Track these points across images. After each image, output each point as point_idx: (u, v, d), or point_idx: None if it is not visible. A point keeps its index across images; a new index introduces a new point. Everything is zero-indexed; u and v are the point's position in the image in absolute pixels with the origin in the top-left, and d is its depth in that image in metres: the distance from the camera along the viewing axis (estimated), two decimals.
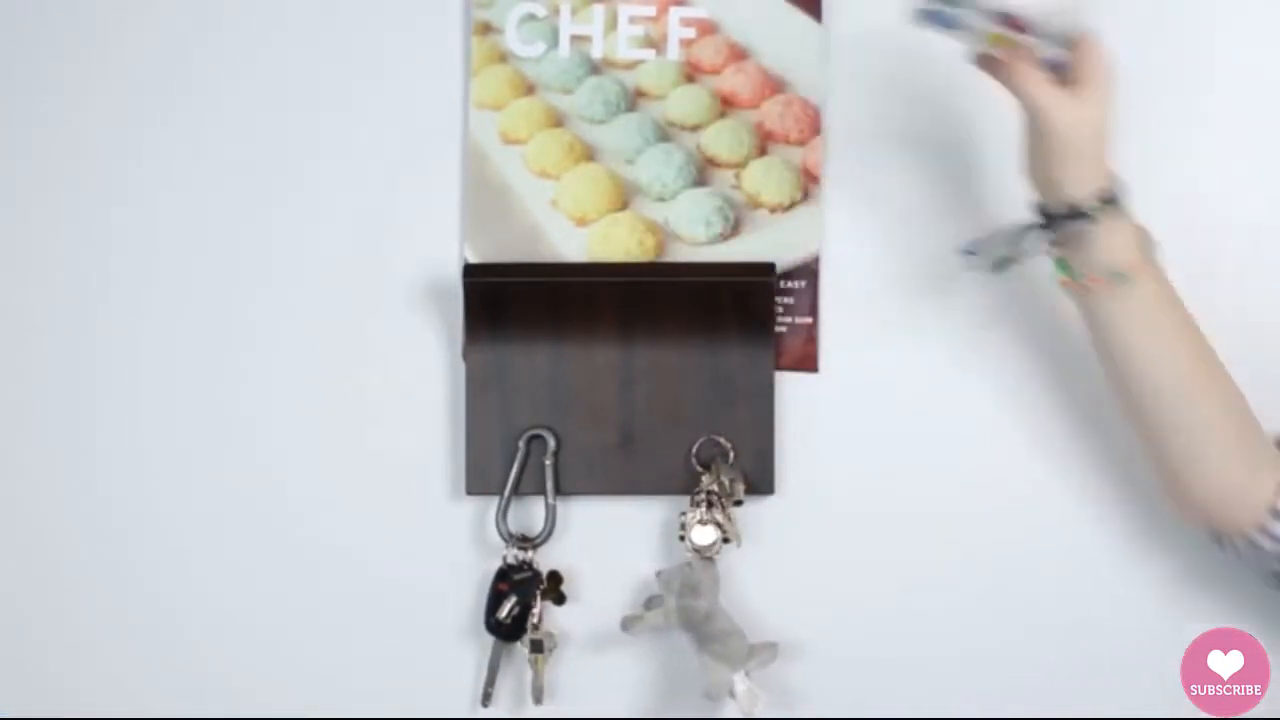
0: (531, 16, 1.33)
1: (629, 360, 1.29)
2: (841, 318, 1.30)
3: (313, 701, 1.31)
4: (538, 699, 1.28)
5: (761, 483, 1.28)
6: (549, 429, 1.29)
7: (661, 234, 1.31)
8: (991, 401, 1.30)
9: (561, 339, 1.29)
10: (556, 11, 1.33)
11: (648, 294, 1.28)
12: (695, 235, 1.31)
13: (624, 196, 1.32)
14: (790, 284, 1.30)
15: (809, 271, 1.30)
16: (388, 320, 1.31)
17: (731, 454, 1.28)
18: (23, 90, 1.33)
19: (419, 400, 1.31)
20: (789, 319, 1.30)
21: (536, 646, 1.28)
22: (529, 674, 1.29)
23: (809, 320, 1.30)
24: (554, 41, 1.33)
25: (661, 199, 1.32)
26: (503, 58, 1.33)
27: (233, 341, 1.32)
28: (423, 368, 1.31)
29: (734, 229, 1.31)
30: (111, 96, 1.33)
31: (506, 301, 1.28)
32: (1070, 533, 1.29)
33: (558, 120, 1.33)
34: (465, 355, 1.30)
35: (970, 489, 1.29)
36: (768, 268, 1.28)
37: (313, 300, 1.32)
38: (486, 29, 1.33)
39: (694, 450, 1.28)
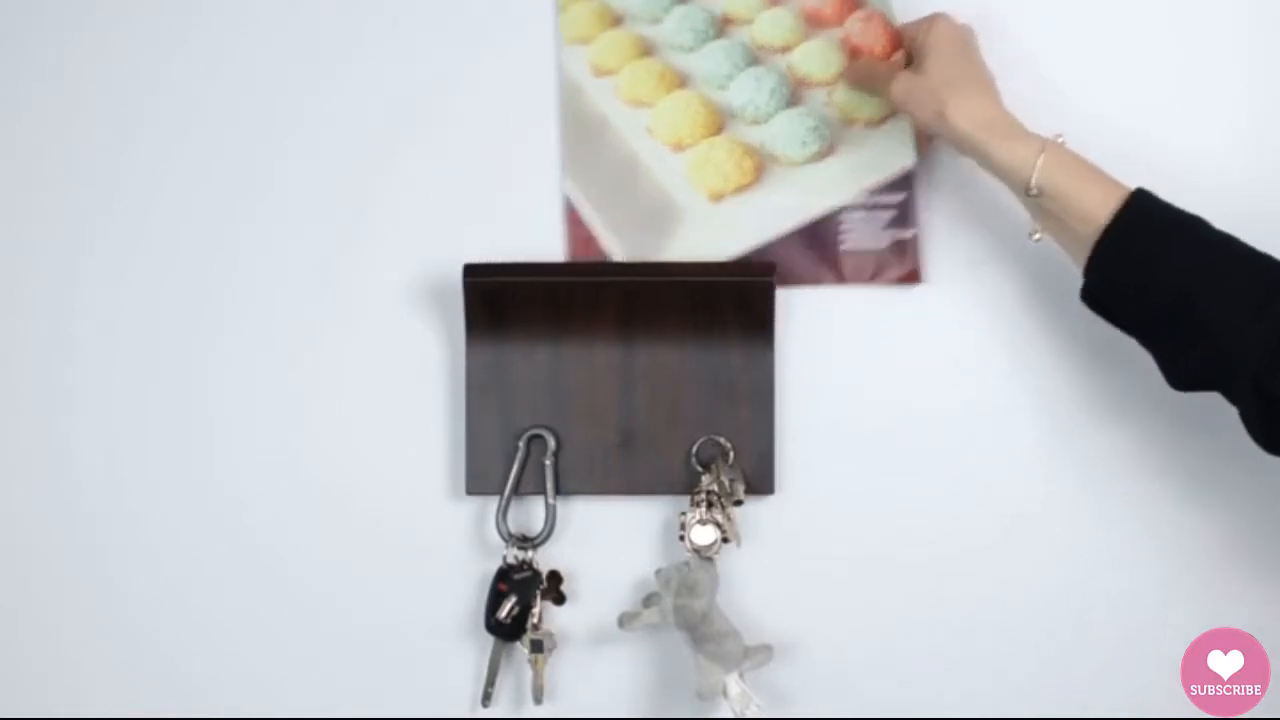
0: None
1: (629, 360, 1.29)
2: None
3: (313, 702, 1.31)
4: (538, 699, 1.28)
5: (761, 483, 1.28)
6: (549, 429, 1.29)
7: (759, 156, 1.31)
8: (992, 401, 1.30)
9: (561, 339, 1.28)
10: None
11: (648, 294, 1.27)
12: (792, 155, 1.31)
13: (719, 121, 1.32)
14: (886, 199, 1.30)
15: (907, 183, 1.30)
16: (387, 320, 1.31)
17: (731, 454, 1.28)
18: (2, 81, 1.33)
19: (419, 400, 1.31)
20: (889, 233, 1.29)
21: (536, 646, 1.28)
22: (529, 674, 1.29)
23: (912, 233, 1.30)
24: None
25: (756, 122, 1.32)
26: None
27: (230, 341, 1.32)
28: (423, 368, 1.31)
29: (830, 147, 1.31)
30: (110, 79, 1.33)
31: (506, 301, 1.27)
32: (1071, 533, 1.29)
33: (647, 50, 1.33)
34: (467, 355, 1.29)
35: (970, 490, 1.29)
36: (768, 267, 1.28)
37: (310, 300, 1.32)
38: None
39: (694, 450, 1.28)
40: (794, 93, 1.32)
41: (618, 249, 1.30)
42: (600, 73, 1.32)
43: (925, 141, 1.29)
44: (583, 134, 1.31)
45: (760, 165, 1.31)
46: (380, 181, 1.32)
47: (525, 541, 1.29)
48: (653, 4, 1.34)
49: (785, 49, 1.33)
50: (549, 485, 1.28)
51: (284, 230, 1.32)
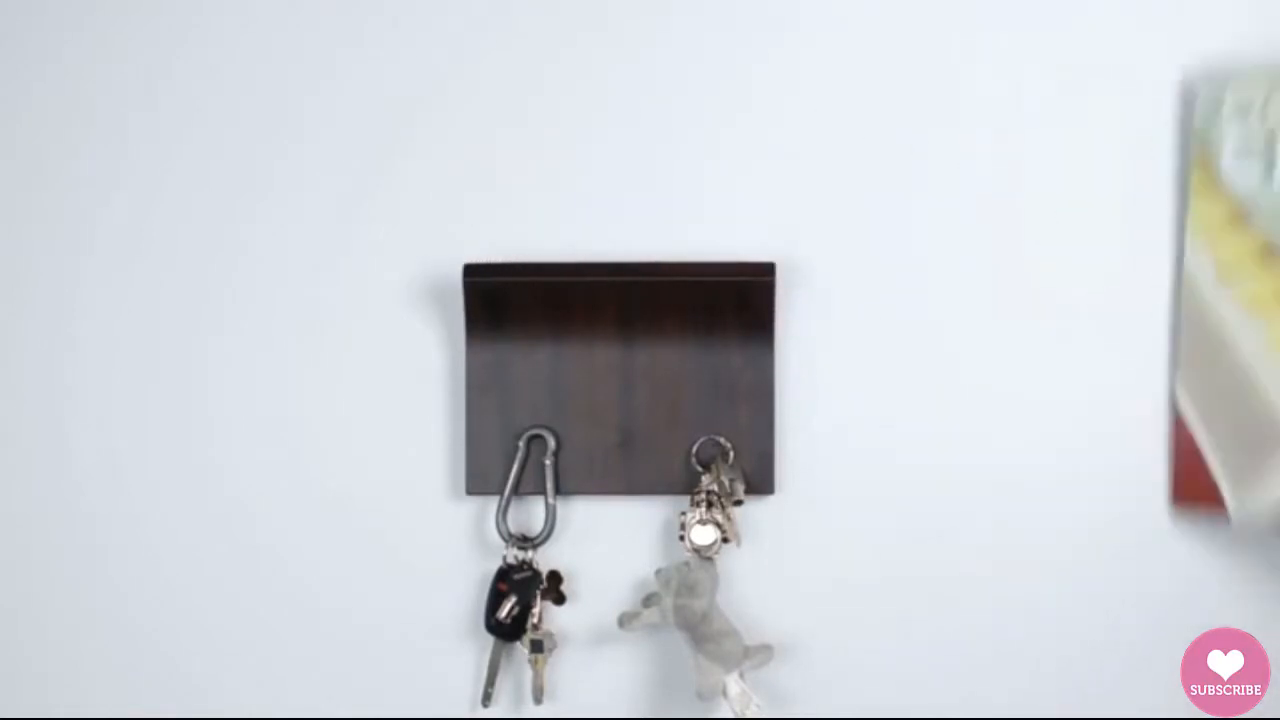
0: (1246, 146, 1.23)
1: (629, 360, 1.29)
2: None
3: (312, 702, 1.31)
4: (538, 699, 1.28)
5: (761, 483, 1.28)
6: (549, 429, 1.29)
7: None
8: (993, 402, 1.30)
9: (561, 339, 1.28)
10: (1275, 139, 1.22)
11: (648, 294, 1.27)
12: None
13: None
14: None
15: None
16: (387, 320, 1.31)
17: (731, 454, 1.28)
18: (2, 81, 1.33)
19: (419, 400, 1.31)
20: None
21: (536, 646, 1.28)
22: (529, 674, 1.29)
23: None
24: (1270, 168, 1.22)
25: None
26: (1215, 184, 1.24)
27: (229, 341, 1.32)
28: (423, 368, 1.31)
29: None
30: (110, 79, 1.32)
31: (506, 301, 1.27)
32: (1071, 533, 1.29)
33: (1273, 251, 1.22)
34: (467, 355, 1.29)
35: (971, 490, 1.29)
36: (768, 267, 1.28)
37: (310, 300, 1.32)
38: (1203, 153, 1.24)
39: (694, 450, 1.28)
40: None
41: (1221, 471, 1.24)
42: (1224, 276, 1.23)
43: None
44: (1200, 339, 1.24)
45: None
46: (380, 181, 1.32)
47: (525, 541, 1.29)
48: None
49: None
50: (549, 485, 1.28)
51: (284, 230, 1.32)
